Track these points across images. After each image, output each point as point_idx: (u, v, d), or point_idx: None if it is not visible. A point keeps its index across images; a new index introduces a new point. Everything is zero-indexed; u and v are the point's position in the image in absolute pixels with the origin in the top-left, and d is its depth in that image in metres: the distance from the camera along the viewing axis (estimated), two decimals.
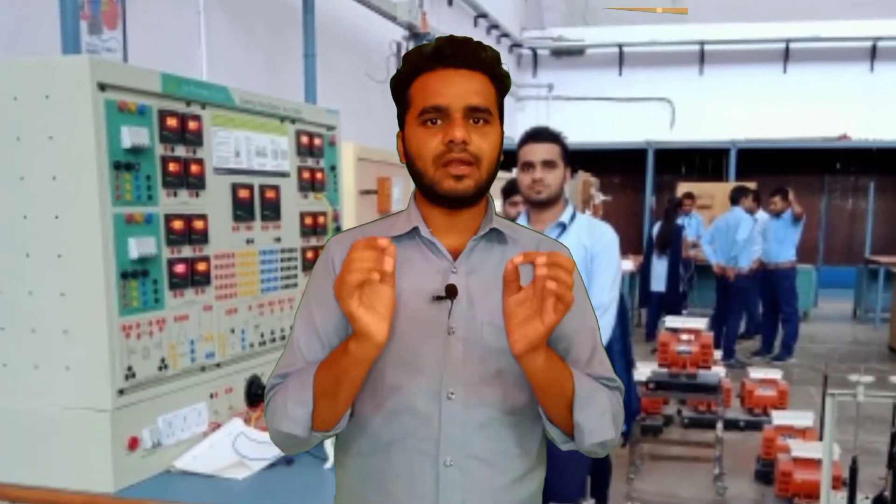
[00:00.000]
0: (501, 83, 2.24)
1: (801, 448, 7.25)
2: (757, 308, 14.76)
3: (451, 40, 2.18)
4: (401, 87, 2.25)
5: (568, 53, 22.58)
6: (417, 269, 2.23)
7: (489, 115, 2.18)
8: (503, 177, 10.85)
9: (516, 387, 2.20)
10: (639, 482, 8.06)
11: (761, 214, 13.92)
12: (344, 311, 1.93)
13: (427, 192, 2.22)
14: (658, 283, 14.39)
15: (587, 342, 2.32)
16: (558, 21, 22.76)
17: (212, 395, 4.03)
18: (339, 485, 2.38)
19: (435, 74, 2.17)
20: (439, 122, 2.15)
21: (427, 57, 2.19)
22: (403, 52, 13.71)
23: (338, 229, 4.97)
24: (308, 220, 4.78)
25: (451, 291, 2.18)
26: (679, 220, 14.99)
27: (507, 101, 13.11)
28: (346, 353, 1.99)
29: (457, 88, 2.14)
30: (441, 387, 2.16)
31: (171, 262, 3.75)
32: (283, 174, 4.60)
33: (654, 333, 12.91)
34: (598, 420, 2.17)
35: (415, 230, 2.26)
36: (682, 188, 18.20)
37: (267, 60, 9.70)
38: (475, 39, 2.21)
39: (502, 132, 2.25)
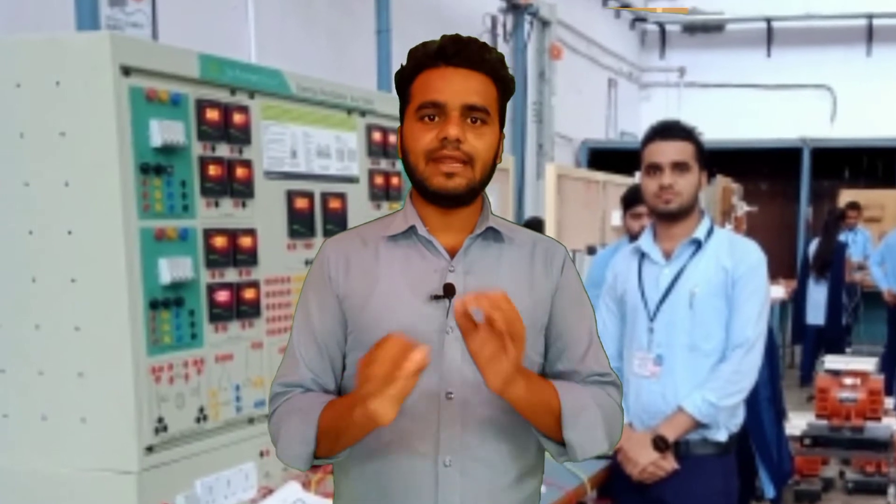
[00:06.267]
0: (505, 86, 2.67)
1: None
2: None
3: (456, 39, 2.60)
4: (404, 83, 2.66)
5: (704, 29, 22.45)
6: (414, 268, 2.65)
7: (487, 115, 2.59)
8: (623, 182, 10.76)
9: None
10: None
11: None
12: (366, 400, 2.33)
13: (419, 189, 2.64)
14: (815, 314, 14.24)
15: (583, 339, 2.76)
16: None
17: (262, 454, 4.00)
18: (339, 487, 2.79)
19: (436, 72, 2.59)
20: (436, 118, 2.56)
21: (431, 54, 2.60)
22: (500, 27, 13.72)
23: None
24: None
25: (449, 291, 2.58)
26: (842, 237, 14.82)
27: (629, 88, 13.07)
28: (351, 416, 2.40)
29: (456, 86, 2.56)
30: (439, 387, 2.58)
31: (211, 289, 3.75)
32: (351, 179, 4.59)
33: (811, 377, 12.72)
34: (588, 436, 2.60)
35: (412, 229, 2.66)
36: (846, 196, 17.97)
37: (330, 38, 9.73)
38: (481, 41, 2.64)
39: (502, 135, 2.68)
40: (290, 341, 2.73)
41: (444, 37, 2.61)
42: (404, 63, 2.67)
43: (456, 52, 2.57)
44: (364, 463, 2.64)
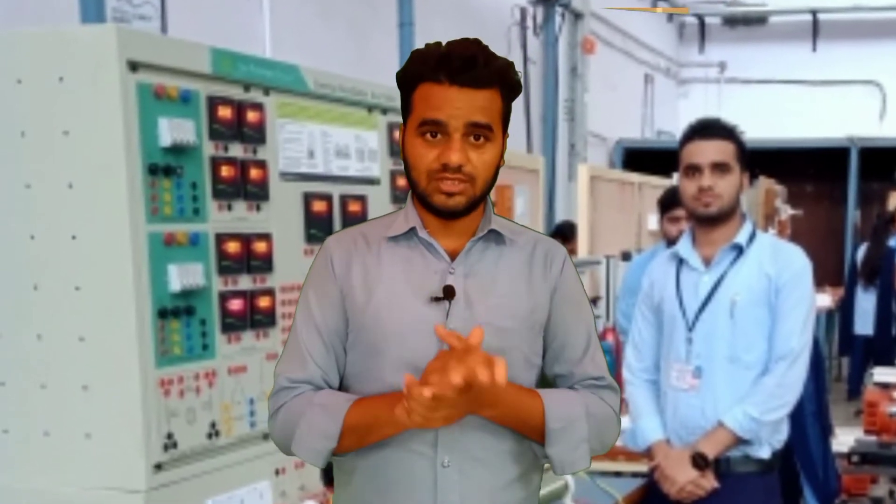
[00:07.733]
0: (512, 91, 2.74)
1: None
2: None
3: (461, 51, 2.64)
4: (405, 86, 2.74)
5: (745, 22, 22.40)
6: (415, 269, 2.78)
7: (489, 131, 2.68)
8: (660, 184, 10.72)
9: None
10: None
11: None
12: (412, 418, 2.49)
13: (421, 200, 2.76)
14: (864, 323, 14.14)
15: (580, 342, 2.89)
16: None
17: (277, 472, 3.99)
18: (338, 486, 2.91)
19: (439, 88, 2.64)
20: (438, 136, 2.65)
21: (433, 65, 2.65)
22: (530, 20, 13.67)
23: None
24: None
25: (448, 292, 2.72)
26: (891, 242, 14.72)
27: (667, 84, 13.01)
28: (391, 413, 2.54)
29: (459, 103, 2.63)
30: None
31: (223, 297, 3.74)
32: (372, 180, 4.58)
33: (859, 390, 12.66)
34: (571, 453, 2.75)
35: (412, 230, 2.78)
36: None
37: (350, 31, 9.73)
38: (486, 48, 2.68)
39: (506, 135, 2.78)
40: (294, 336, 2.82)
41: (449, 44, 2.67)
42: (407, 65, 2.75)
43: (460, 67, 2.62)
44: (363, 463, 2.76)
